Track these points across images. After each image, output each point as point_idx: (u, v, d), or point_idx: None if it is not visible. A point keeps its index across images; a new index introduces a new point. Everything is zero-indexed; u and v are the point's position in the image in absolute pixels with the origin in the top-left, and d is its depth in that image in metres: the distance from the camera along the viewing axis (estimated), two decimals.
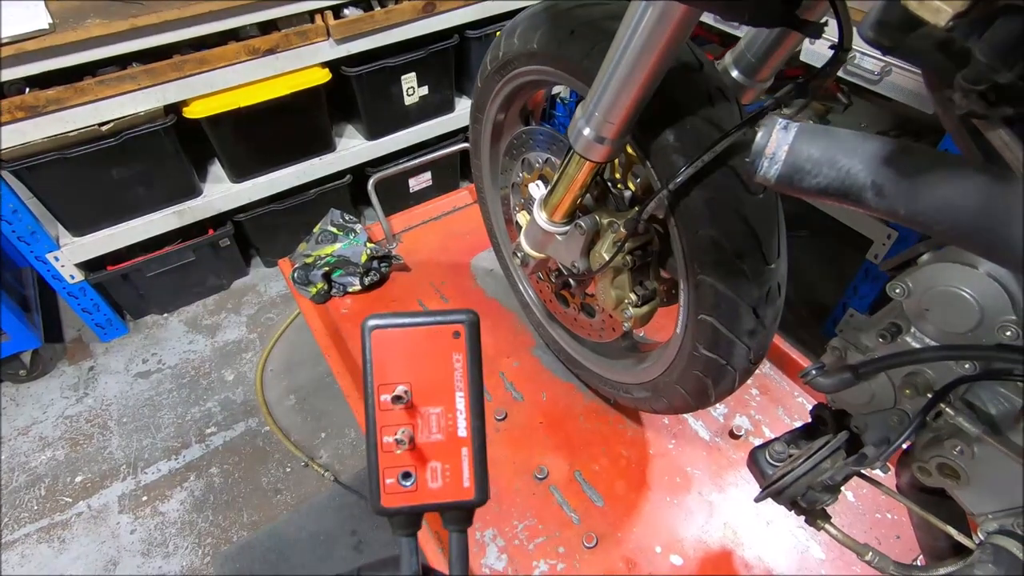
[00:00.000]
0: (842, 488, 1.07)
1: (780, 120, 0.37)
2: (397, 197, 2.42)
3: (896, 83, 1.46)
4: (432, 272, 1.51)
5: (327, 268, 1.42)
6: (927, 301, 0.52)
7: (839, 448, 0.61)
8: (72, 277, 1.92)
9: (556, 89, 2.50)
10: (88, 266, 1.96)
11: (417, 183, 2.48)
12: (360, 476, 1.72)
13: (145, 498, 1.70)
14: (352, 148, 2.25)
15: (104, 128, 1.71)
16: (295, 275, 1.42)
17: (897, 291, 0.54)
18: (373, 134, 2.25)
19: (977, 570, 0.51)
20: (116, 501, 1.70)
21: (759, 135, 0.38)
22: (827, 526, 0.67)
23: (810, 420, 0.71)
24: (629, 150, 0.87)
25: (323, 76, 1.96)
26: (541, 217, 0.92)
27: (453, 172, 2.58)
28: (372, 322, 0.37)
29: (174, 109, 1.82)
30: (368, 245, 1.47)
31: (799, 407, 1.21)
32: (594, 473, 1.11)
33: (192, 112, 1.82)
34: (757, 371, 1.27)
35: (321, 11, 1.89)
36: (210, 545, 1.60)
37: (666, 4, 0.57)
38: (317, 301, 1.42)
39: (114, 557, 1.58)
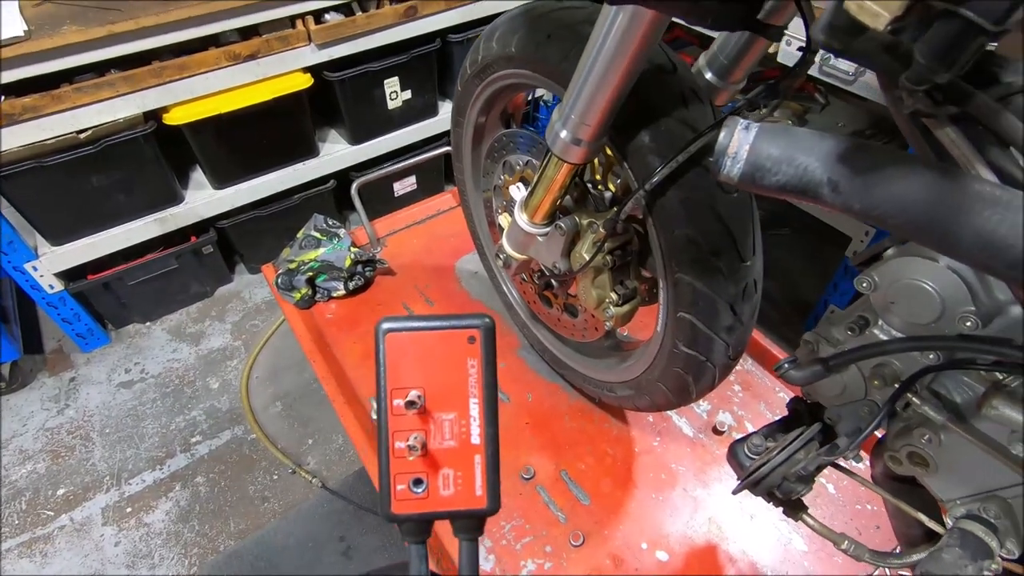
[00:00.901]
0: (823, 480, 1.10)
1: (741, 121, 0.38)
2: (382, 201, 2.42)
3: (870, 83, 1.50)
4: (417, 275, 1.51)
5: (311, 273, 1.42)
6: (892, 294, 0.54)
7: (812, 439, 0.63)
8: (51, 287, 1.89)
9: (539, 92, 2.51)
10: (68, 275, 1.94)
11: (402, 187, 2.48)
12: (348, 482, 1.71)
13: (129, 509, 1.68)
14: (336, 153, 2.24)
15: (82, 136, 1.69)
16: (279, 281, 1.42)
17: (864, 285, 0.56)
18: (357, 139, 2.25)
19: (945, 554, 0.53)
20: (99, 513, 1.68)
21: (721, 135, 0.39)
22: (804, 516, 0.68)
23: (787, 413, 0.73)
24: (608, 151, 0.88)
25: (305, 81, 1.95)
26: (522, 219, 0.93)
27: (438, 176, 2.59)
28: (386, 325, 0.36)
29: (154, 116, 1.81)
30: (352, 249, 1.47)
31: (781, 402, 1.23)
32: (580, 472, 1.12)
33: (172, 118, 1.80)
34: (739, 367, 1.30)
35: (302, 16, 1.89)
36: (197, 555, 1.59)
37: (635, 8, 0.58)
38: (301, 307, 1.41)
39: (98, 570, 1.56)
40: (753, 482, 0.63)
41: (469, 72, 1.03)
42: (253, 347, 2.11)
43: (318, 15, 1.92)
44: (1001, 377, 0.51)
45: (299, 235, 1.51)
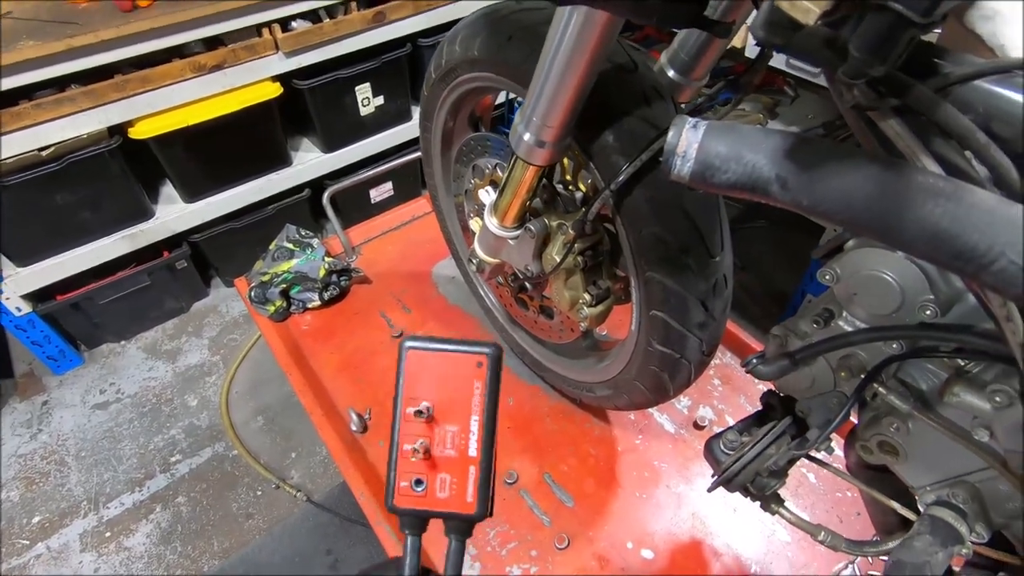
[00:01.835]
0: (804, 470, 1.11)
1: (689, 119, 0.38)
2: (358, 209, 2.40)
3: None
4: (393, 283, 1.50)
5: (284, 285, 1.40)
6: (854, 285, 0.54)
7: (783, 433, 0.63)
8: (19, 309, 1.84)
9: (511, 94, 2.51)
10: (36, 297, 1.88)
11: (378, 193, 2.46)
12: (333, 494, 1.69)
13: (108, 534, 1.64)
14: (309, 162, 2.22)
15: (44, 153, 1.65)
16: (252, 294, 1.39)
17: (827, 277, 0.56)
18: (330, 146, 2.23)
19: (916, 541, 0.53)
20: (77, 539, 1.63)
21: (670, 135, 0.38)
22: (781, 509, 0.68)
23: (761, 408, 0.73)
24: (576, 152, 0.88)
25: (274, 90, 1.93)
26: (492, 222, 0.92)
27: (415, 181, 2.57)
28: (409, 343, 0.42)
29: (119, 130, 1.77)
30: (326, 259, 1.45)
31: (760, 395, 1.24)
32: (563, 474, 1.11)
33: (138, 132, 1.77)
34: (718, 361, 1.30)
35: (269, 24, 1.86)
36: None
37: (587, 9, 0.58)
38: (276, 319, 1.39)
39: None
40: (726, 479, 0.63)
41: (434, 76, 1.02)
42: (232, 361, 2.07)
43: (285, 23, 1.90)
44: (962, 364, 0.51)
45: (271, 247, 1.49)
